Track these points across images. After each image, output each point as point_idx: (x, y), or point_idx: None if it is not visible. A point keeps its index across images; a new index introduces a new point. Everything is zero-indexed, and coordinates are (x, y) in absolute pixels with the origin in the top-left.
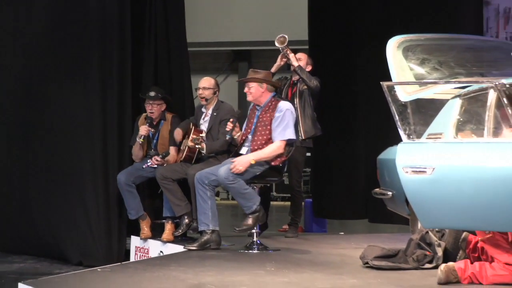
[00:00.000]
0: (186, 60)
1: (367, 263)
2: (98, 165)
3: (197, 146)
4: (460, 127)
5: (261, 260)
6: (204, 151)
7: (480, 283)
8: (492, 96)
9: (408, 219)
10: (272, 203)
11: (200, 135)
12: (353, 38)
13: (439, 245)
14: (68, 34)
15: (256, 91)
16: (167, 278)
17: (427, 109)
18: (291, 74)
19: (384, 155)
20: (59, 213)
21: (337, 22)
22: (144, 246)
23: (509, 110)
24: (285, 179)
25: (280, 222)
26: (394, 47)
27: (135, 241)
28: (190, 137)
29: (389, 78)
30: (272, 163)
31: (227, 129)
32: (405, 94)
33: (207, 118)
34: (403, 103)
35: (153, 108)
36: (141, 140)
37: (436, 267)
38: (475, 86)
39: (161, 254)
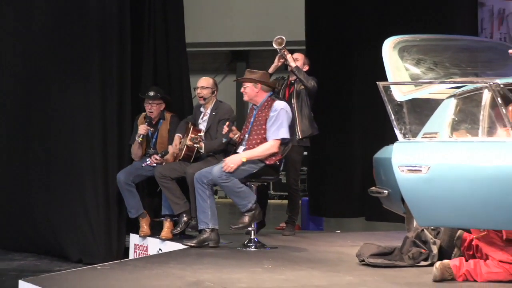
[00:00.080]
0: (185, 60)
1: (363, 260)
2: (98, 164)
3: (195, 145)
4: (455, 127)
5: (259, 257)
6: (202, 150)
7: (475, 281)
8: (486, 96)
9: (404, 217)
10: (269, 201)
11: (199, 134)
12: (350, 39)
13: (434, 243)
14: (68, 34)
15: (251, 91)
16: (166, 275)
17: (422, 109)
18: (288, 74)
19: (380, 154)
20: (59, 211)
21: (333, 23)
22: (143, 244)
23: (503, 110)
24: (282, 177)
25: (277, 220)
26: (390, 48)
27: (134, 239)
28: (189, 136)
29: (385, 78)
30: (267, 162)
31: (223, 132)
32: (400, 94)
33: (206, 118)
34: (399, 102)
35: (152, 108)
36: (140, 139)
37: (431, 264)
38: (469, 86)
39: (160, 251)
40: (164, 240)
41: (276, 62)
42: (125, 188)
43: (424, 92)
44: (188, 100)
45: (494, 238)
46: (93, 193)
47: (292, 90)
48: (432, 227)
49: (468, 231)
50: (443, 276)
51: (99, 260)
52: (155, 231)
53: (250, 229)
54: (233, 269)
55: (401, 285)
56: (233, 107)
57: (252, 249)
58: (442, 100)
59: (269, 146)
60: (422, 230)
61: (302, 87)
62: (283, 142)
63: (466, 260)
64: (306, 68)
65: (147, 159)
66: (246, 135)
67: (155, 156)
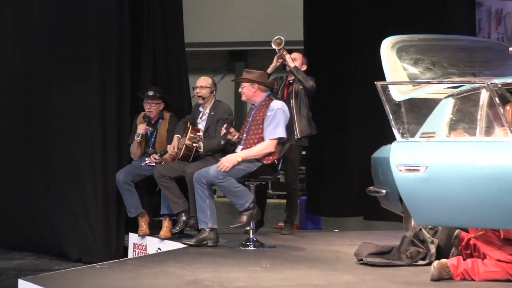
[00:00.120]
0: (184, 60)
1: (361, 259)
2: (97, 163)
3: (194, 144)
4: (453, 126)
5: (257, 256)
6: (201, 150)
7: (473, 280)
8: (484, 95)
9: (402, 216)
10: (268, 200)
11: (198, 134)
12: (348, 39)
13: (432, 242)
14: (68, 35)
15: (248, 91)
16: (165, 274)
17: (420, 109)
18: (286, 74)
19: (378, 153)
20: (59, 211)
21: (332, 23)
22: (142, 243)
23: (501, 110)
24: (281, 177)
25: (276, 220)
26: (388, 48)
27: (133, 238)
28: (188, 135)
29: (383, 78)
30: (264, 162)
31: (221, 134)
32: (399, 93)
33: (205, 117)
34: (397, 102)
35: (152, 107)
36: (139, 138)
37: (429, 263)
38: (467, 86)
39: (159, 250)
40: (163, 239)
41: (275, 62)
42: (124, 188)
43: (422, 92)
44: (187, 100)
45: (492, 237)
46: (92, 192)
47: (290, 90)
48: (430, 227)
49: (466, 230)
50: (441, 275)
51: (99, 259)
52: (154, 230)
53: (248, 228)
54: (232, 268)
55: (399, 284)
56: (232, 106)
57: (250, 248)
58: (440, 100)
59: (265, 146)
60: (420, 229)
61: (301, 87)
62: (280, 141)
63: (464, 259)
64: (304, 67)
65: (146, 159)
66: (244, 135)
67: (154, 155)
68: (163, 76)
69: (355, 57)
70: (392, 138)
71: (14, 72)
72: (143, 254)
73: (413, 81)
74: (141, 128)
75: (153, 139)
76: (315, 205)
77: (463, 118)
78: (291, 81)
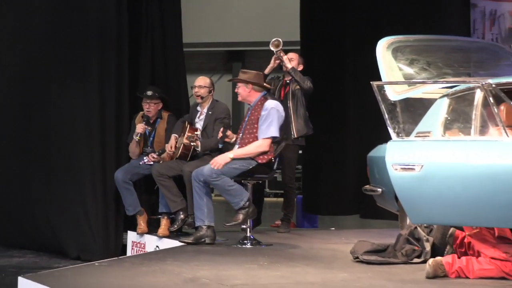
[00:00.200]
0: (182, 60)
1: (357, 257)
2: (96, 162)
3: (192, 143)
4: (448, 126)
5: (254, 254)
6: (199, 149)
7: (467, 277)
8: (479, 95)
9: (397, 215)
10: (265, 199)
11: (195, 133)
12: (344, 39)
13: (427, 240)
14: (67, 35)
15: (243, 91)
16: (163, 272)
17: (415, 108)
18: (283, 74)
19: (374, 152)
20: (58, 209)
21: (328, 23)
22: (141, 241)
23: (495, 109)
24: (277, 175)
25: (272, 218)
26: (383, 48)
27: (131, 236)
28: (186, 135)
29: (379, 78)
30: (259, 161)
31: (218, 137)
32: (394, 93)
33: (203, 117)
34: (392, 102)
35: (150, 107)
36: (138, 137)
37: (424, 261)
38: (462, 86)
39: (157, 248)
40: (161, 237)
41: (272, 63)
42: (122, 186)
43: (417, 92)
44: (185, 100)
45: (486, 235)
46: (91, 191)
47: (287, 90)
48: (425, 225)
49: (461, 228)
50: (436, 273)
51: (97, 257)
52: (152, 228)
53: (245, 226)
54: (229, 266)
55: (395, 281)
56: (229, 106)
57: (248, 246)
58: (435, 99)
59: (258, 145)
60: (415, 227)
61: (298, 87)
62: (275, 140)
63: (459, 257)
64: (300, 67)
65: (145, 158)
66: (241, 134)
67: (153, 154)
68: (161, 76)
69: (351, 57)
70: (387, 138)
71: (14, 72)
72: (141, 252)
73: (409, 81)
74: (140, 128)
75: (151, 138)
76: (311, 204)
77: (458, 118)
78: (288, 81)
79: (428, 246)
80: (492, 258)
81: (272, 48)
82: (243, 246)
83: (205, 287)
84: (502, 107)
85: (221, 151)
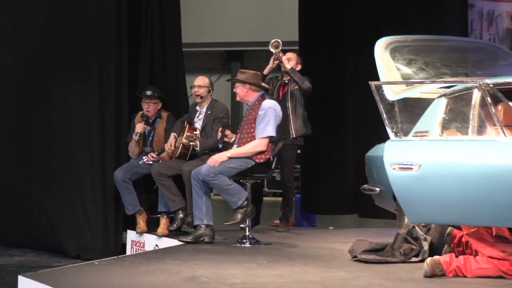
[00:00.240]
0: (181, 60)
1: (355, 256)
2: (96, 162)
3: (191, 143)
4: (445, 126)
5: (253, 253)
6: (198, 148)
7: (465, 276)
8: (476, 95)
9: (395, 214)
10: (264, 198)
11: (194, 132)
12: (342, 39)
13: (425, 240)
14: (67, 36)
15: (241, 91)
16: (162, 271)
17: (413, 108)
18: (282, 74)
19: (372, 152)
20: (58, 208)
21: (326, 23)
22: (140, 240)
23: (493, 109)
24: (276, 175)
25: (271, 217)
26: (382, 48)
27: (131, 235)
28: (185, 134)
29: (377, 78)
30: (257, 160)
31: (218, 137)
32: (392, 93)
33: (202, 116)
34: (390, 102)
35: (150, 107)
36: (137, 137)
37: (422, 260)
38: (460, 86)
39: (157, 247)
40: (160, 236)
41: (271, 64)
42: (122, 186)
43: (415, 92)
44: (184, 99)
45: (484, 234)
46: (91, 190)
47: (286, 90)
48: (423, 224)
49: (458, 228)
50: (434, 272)
51: (97, 256)
52: (152, 227)
53: (244, 225)
54: (228, 265)
55: (393, 280)
56: (228, 106)
57: (246, 245)
58: (433, 99)
59: (255, 144)
60: (413, 227)
61: (296, 87)
62: (272, 140)
63: (456, 256)
64: (299, 67)
65: (144, 157)
66: (239, 134)
67: (152, 154)
68: (160, 76)
69: (351, 57)
70: (385, 137)
71: (14, 72)
72: (141, 251)
73: (407, 81)
74: (139, 127)
75: (150, 138)
76: (310, 203)
77: (456, 118)
78: (286, 81)
79: (426, 245)
80: (490, 257)
81: (271, 49)
82: (242, 245)
83: (204, 286)
84: (499, 107)
85: (220, 151)
